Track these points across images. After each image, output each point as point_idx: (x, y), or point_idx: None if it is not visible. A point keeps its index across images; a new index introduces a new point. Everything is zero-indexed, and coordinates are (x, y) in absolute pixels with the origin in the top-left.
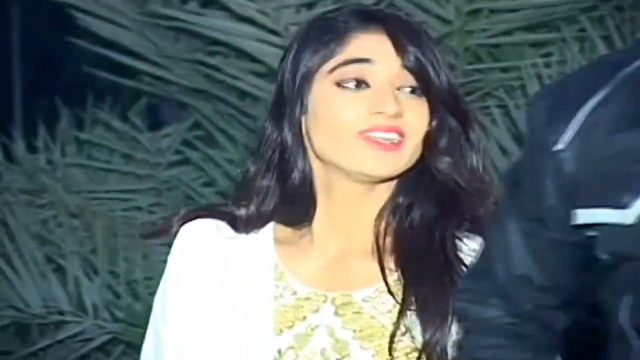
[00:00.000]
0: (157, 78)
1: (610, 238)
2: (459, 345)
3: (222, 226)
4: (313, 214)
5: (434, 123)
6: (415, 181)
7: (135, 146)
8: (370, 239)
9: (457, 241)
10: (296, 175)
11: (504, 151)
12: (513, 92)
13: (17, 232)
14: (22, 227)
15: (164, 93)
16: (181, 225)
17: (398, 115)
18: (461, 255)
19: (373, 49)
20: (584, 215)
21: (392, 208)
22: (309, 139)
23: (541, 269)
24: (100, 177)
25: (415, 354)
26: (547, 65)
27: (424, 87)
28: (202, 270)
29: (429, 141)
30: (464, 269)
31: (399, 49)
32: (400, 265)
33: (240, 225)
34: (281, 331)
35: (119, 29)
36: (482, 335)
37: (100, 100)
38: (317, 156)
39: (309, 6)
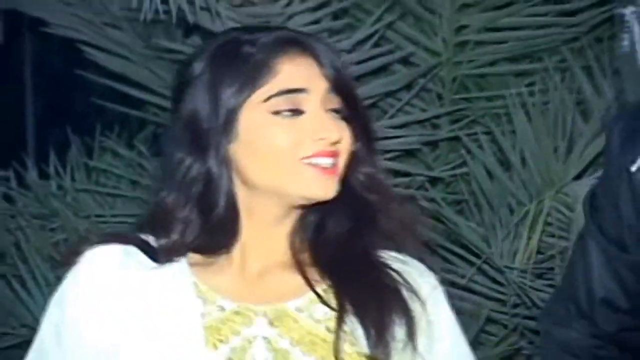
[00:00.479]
0: (162, 108)
1: None
2: None
3: (133, 252)
4: (233, 240)
5: (357, 144)
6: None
7: (142, 172)
8: (288, 254)
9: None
10: (222, 204)
11: (490, 175)
12: (498, 120)
13: (30, 255)
14: (35, 250)
15: (168, 122)
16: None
17: (339, 139)
18: (384, 259)
19: (304, 76)
20: None
21: (304, 225)
22: (238, 167)
23: (623, 292)
24: (109, 202)
25: (361, 358)
26: (531, 94)
27: (351, 109)
28: (113, 298)
29: (349, 161)
30: (391, 272)
31: (327, 75)
32: (328, 275)
33: (161, 254)
34: (215, 346)
35: (125, 62)
36: (565, 357)
37: (109, 129)
38: (244, 182)
39: None
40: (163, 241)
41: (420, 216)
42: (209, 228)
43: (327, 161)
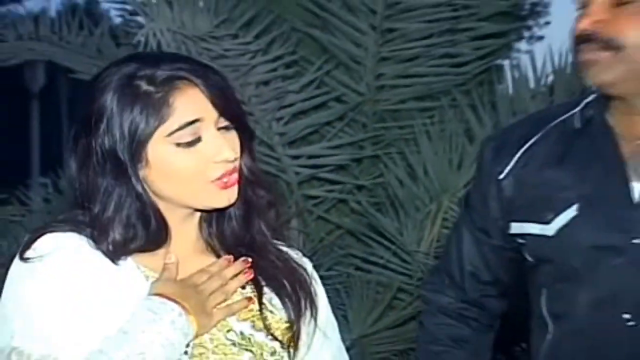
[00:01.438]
0: None
1: (535, 245)
2: (420, 322)
3: (84, 241)
4: (167, 239)
5: (244, 154)
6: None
7: None
8: (202, 242)
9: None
10: (152, 217)
11: (401, 183)
12: (408, 142)
13: None
14: None
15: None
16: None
17: (236, 158)
18: (276, 244)
19: (196, 108)
20: (516, 227)
21: (208, 219)
22: (153, 188)
23: (486, 268)
24: None
25: (285, 327)
26: (432, 124)
27: (240, 126)
28: (71, 280)
29: (242, 172)
30: (287, 250)
31: (216, 103)
32: (237, 256)
33: (110, 253)
34: None
35: None
36: (439, 318)
37: None
38: (158, 197)
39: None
40: (105, 244)
41: (294, 211)
42: (146, 234)
43: (233, 178)
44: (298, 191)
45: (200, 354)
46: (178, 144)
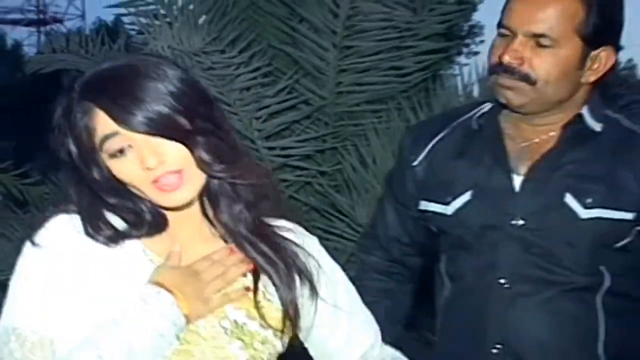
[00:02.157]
0: None
1: (437, 220)
2: (355, 277)
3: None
4: (166, 224)
5: (197, 149)
6: (212, 190)
7: None
8: (206, 229)
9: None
10: (137, 201)
11: (354, 169)
12: (360, 138)
13: None
14: None
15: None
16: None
17: (160, 163)
18: (274, 227)
19: (107, 124)
20: (424, 204)
21: (204, 207)
22: None
23: (405, 233)
24: None
25: (278, 312)
26: (380, 122)
27: (161, 131)
28: (74, 262)
29: (200, 167)
30: (283, 238)
31: (117, 119)
32: (236, 241)
33: (117, 239)
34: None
35: None
36: (369, 274)
37: None
38: None
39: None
40: (102, 233)
41: (277, 186)
42: (140, 220)
43: (169, 180)
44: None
45: (192, 339)
46: (110, 155)
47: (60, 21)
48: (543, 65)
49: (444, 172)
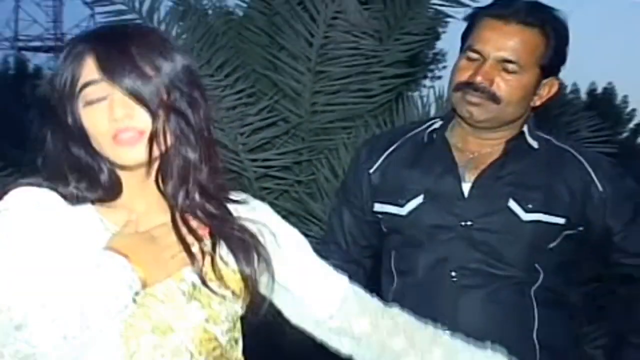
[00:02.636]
0: None
1: (390, 220)
2: None
3: (46, 194)
4: (120, 190)
5: (156, 124)
6: (166, 165)
7: None
8: (161, 201)
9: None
10: (104, 170)
11: (327, 179)
12: (332, 152)
13: None
14: None
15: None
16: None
17: (128, 116)
18: (229, 201)
19: (93, 70)
20: (378, 207)
21: (158, 179)
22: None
23: (362, 236)
24: None
25: (237, 278)
26: (349, 138)
27: (144, 98)
28: (32, 231)
29: (163, 139)
30: (240, 205)
31: (105, 70)
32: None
33: (72, 199)
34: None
35: None
36: None
37: None
38: None
39: None
40: (70, 189)
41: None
42: (99, 184)
43: (129, 134)
44: (255, 184)
45: (150, 302)
46: (86, 102)
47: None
48: (508, 88)
49: (397, 178)
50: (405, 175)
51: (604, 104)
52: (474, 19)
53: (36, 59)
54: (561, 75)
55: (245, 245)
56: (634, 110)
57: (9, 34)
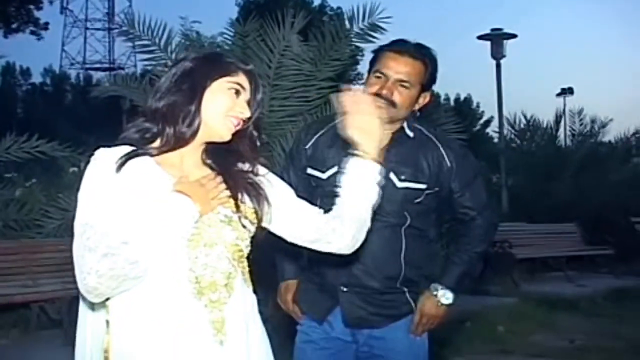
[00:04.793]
0: None
1: (316, 180)
2: None
3: (123, 150)
4: (182, 147)
5: (249, 127)
6: (219, 148)
7: None
8: (201, 166)
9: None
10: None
11: (280, 156)
12: (282, 137)
13: None
14: None
15: None
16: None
17: (246, 115)
18: (258, 171)
19: (245, 81)
20: (310, 171)
21: (208, 157)
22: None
23: (300, 187)
24: None
25: (251, 209)
26: (293, 128)
27: (252, 111)
28: (113, 178)
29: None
30: (254, 175)
31: (253, 94)
32: (220, 175)
33: (155, 150)
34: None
35: None
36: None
37: None
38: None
39: None
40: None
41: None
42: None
43: (237, 122)
44: None
45: (201, 227)
46: (228, 89)
47: (122, 68)
48: (402, 98)
49: (321, 153)
50: (326, 152)
51: (464, 107)
52: (378, 52)
53: (97, 75)
54: (436, 88)
55: (255, 191)
56: (483, 111)
57: (80, 59)
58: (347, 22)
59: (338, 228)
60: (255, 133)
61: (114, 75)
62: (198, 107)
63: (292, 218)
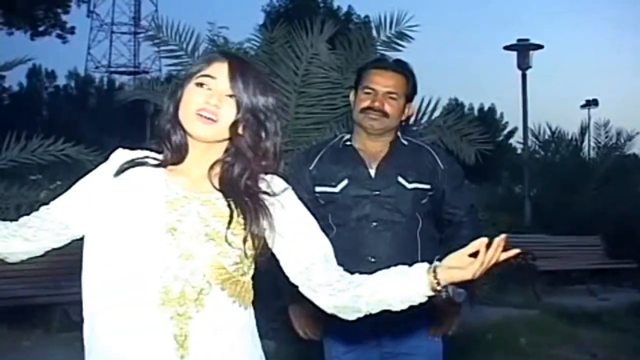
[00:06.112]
0: None
1: (328, 196)
2: None
3: (139, 156)
4: (184, 157)
5: (238, 116)
6: (234, 151)
7: None
8: (208, 174)
9: (259, 178)
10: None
11: None
12: (307, 144)
13: None
14: None
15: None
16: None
17: (216, 107)
18: (261, 185)
19: (222, 71)
20: (319, 189)
21: (222, 162)
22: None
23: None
24: None
25: (244, 231)
26: (319, 136)
27: (237, 97)
28: (120, 176)
29: (233, 128)
30: (261, 193)
31: (230, 77)
32: (226, 188)
33: (163, 161)
34: (169, 212)
35: None
36: None
37: None
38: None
39: None
40: (162, 155)
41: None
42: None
43: (208, 113)
44: None
45: (179, 239)
46: (196, 84)
47: (147, 72)
48: (392, 109)
49: (328, 170)
50: (333, 168)
51: (488, 117)
52: (363, 71)
53: (121, 79)
54: (462, 99)
55: (256, 211)
56: (507, 122)
57: (105, 62)
58: (374, 31)
59: (344, 288)
60: (254, 125)
61: (138, 79)
62: (176, 114)
63: (294, 250)
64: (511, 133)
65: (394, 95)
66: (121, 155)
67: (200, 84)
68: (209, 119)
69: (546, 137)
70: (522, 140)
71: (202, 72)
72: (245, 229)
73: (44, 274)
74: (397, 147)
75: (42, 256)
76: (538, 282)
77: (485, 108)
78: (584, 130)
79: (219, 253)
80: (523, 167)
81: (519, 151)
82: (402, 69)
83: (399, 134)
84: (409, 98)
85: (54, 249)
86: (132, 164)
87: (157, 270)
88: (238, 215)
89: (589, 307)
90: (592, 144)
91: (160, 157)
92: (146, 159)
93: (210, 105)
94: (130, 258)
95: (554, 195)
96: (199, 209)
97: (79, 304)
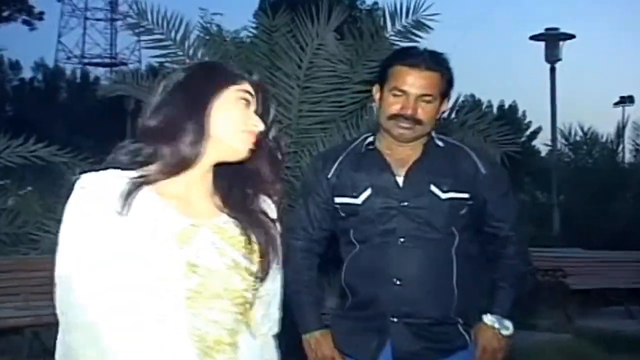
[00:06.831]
0: None
1: (348, 208)
2: (286, 259)
3: (115, 179)
4: (178, 174)
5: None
6: (233, 169)
7: None
8: (213, 192)
9: (262, 198)
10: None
11: (307, 167)
12: (312, 146)
13: None
14: None
15: None
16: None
17: (259, 128)
18: (263, 206)
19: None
20: (338, 199)
21: (221, 184)
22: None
23: (324, 220)
24: None
25: (259, 259)
26: (325, 137)
27: (264, 122)
28: (107, 210)
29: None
30: (265, 210)
31: (259, 104)
32: (232, 210)
33: (147, 177)
34: (181, 247)
35: None
36: (297, 253)
37: None
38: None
39: None
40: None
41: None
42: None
43: (253, 139)
44: None
45: (205, 276)
46: (239, 98)
47: (125, 64)
48: (426, 113)
49: (349, 179)
50: (355, 176)
51: (509, 116)
52: (389, 67)
53: (96, 71)
54: (479, 95)
55: (268, 236)
56: (530, 121)
57: (77, 52)
58: (388, 19)
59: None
60: (277, 151)
61: (116, 71)
62: (203, 122)
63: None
64: (535, 133)
65: (428, 98)
66: (98, 184)
67: (247, 102)
68: (253, 140)
69: (577, 138)
70: (549, 142)
71: (245, 88)
72: (255, 251)
73: (13, 293)
74: (431, 150)
75: (8, 272)
76: (570, 302)
77: (506, 105)
78: (619, 130)
79: (245, 288)
80: (550, 172)
81: (544, 153)
82: (435, 64)
83: (433, 134)
84: (445, 95)
85: (23, 264)
86: (128, 197)
87: (189, 317)
88: (252, 242)
89: (627, 331)
90: (629, 147)
91: (131, 174)
92: (134, 185)
93: (256, 128)
94: (153, 308)
95: (587, 204)
96: (212, 238)
97: (53, 327)
